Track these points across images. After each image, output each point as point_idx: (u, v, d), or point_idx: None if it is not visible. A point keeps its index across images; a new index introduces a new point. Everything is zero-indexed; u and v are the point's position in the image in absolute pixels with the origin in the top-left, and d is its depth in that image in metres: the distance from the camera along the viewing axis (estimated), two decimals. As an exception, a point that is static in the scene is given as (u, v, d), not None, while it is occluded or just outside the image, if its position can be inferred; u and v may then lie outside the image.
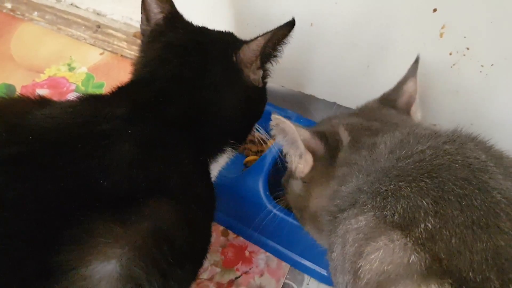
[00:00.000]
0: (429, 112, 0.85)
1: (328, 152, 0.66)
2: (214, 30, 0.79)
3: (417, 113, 0.76)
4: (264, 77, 0.77)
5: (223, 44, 0.74)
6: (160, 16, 0.78)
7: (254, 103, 0.77)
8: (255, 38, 0.70)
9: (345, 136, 0.66)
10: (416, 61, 0.77)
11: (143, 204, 0.53)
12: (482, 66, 0.78)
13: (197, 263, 0.63)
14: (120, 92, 0.69)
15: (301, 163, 0.68)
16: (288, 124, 0.64)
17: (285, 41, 0.72)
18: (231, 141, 0.75)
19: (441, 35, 0.78)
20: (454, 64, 0.81)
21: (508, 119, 0.82)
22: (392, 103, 0.76)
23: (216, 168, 0.75)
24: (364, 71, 0.91)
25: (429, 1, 0.76)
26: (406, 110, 0.75)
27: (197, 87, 0.69)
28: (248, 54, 0.71)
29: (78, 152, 0.55)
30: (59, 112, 0.60)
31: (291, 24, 0.71)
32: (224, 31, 0.80)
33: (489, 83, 0.80)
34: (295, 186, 0.73)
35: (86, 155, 0.55)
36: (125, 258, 0.48)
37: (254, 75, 0.74)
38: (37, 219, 0.48)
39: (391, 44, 0.84)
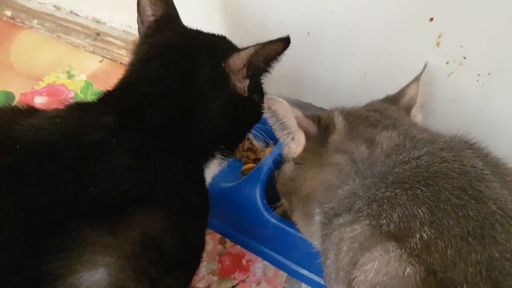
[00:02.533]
0: (427, 120, 0.85)
1: (320, 132, 0.66)
2: (208, 33, 0.79)
3: (417, 116, 0.76)
4: (253, 90, 0.76)
5: (214, 48, 0.74)
6: (152, 19, 0.78)
7: (240, 112, 0.76)
8: (247, 47, 0.70)
9: (339, 121, 0.66)
10: (424, 67, 0.78)
11: (132, 212, 0.53)
12: (478, 75, 0.78)
13: (189, 272, 0.63)
14: (107, 98, 0.69)
15: (293, 144, 0.68)
16: (281, 102, 0.64)
17: (277, 57, 0.71)
18: (221, 147, 0.74)
19: (437, 44, 0.78)
20: (451, 73, 0.81)
21: (505, 127, 0.83)
22: (394, 103, 0.76)
23: (209, 174, 0.75)
24: (361, 79, 0.91)
25: (426, 10, 0.76)
26: (406, 111, 0.75)
27: (182, 88, 0.69)
28: (236, 61, 0.71)
29: (67, 162, 0.55)
30: (47, 122, 0.60)
31: (285, 41, 0.70)
32: (217, 34, 0.80)
33: (486, 92, 0.80)
34: (287, 169, 0.73)
35: (75, 165, 0.55)
36: (114, 266, 0.48)
37: (240, 84, 0.73)
38: (26, 228, 0.48)
39: (387, 53, 0.84)
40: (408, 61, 0.83)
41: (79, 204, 0.52)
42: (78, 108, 0.66)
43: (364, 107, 0.74)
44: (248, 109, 0.77)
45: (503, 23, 0.71)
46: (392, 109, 0.72)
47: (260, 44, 0.69)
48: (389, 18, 0.80)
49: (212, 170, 0.76)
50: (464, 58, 0.78)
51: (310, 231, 0.67)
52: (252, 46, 0.69)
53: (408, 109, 0.75)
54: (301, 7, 0.87)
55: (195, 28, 0.80)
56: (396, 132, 0.61)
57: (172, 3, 0.81)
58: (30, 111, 0.64)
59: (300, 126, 0.67)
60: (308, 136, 0.67)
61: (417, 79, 0.77)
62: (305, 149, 0.68)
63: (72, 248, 0.48)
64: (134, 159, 0.59)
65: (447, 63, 0.80)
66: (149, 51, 0.73)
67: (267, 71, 0.74)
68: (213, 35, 0.79)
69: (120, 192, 0.55)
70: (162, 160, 0.63)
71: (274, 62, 0.72)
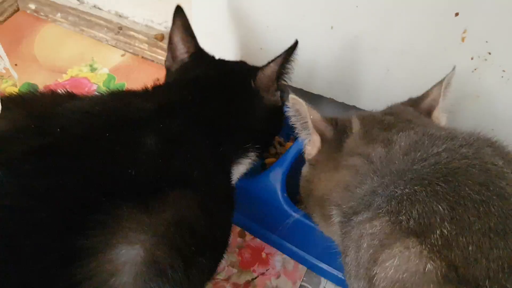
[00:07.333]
0: (450, 116, 0.84)
1: (336, 136, 0.67)
2: (230, 61, 0.88)
3: (440, 119, 0.74)
4: (281, 94, 0.83)
5: (242, 74, 0.82)
6: (185, 55, 0.86)
7: (275, 118, 0.84)
8: (268, 64, 0.78)
9: (356, 124, 0.66)
10: (452, 70, 0.73)
11: (167, 194, 0.55)
12: (503, 71, 0.77)
13: (218, 255, 0.65)
14: (151, 90, 0.73)
15: (309, 145, 0.69)
16: (301, 103, 0.65)
17: (292, 59, 0.79)
18: (257, 146, 0.79)
19: (462, 39, 0.77)
20: (475, 69, 0.80)
21: (529, 125, 0.82)
22: (414, 105, 0.75)
23: (238, 172, 0.79)
24: (384, 75, 0.91)
25: (451, 5, 0.75)
26: (427, 113, 0.74)
27: (223, 113, 0.75)
28: (264, 80, 0.79)
29: (106, 142, 0.57)
30: (87, 104, 0.63)
31: (295, 45, 0.78)
32: (237, 61, 0.91)
33: (511, 89, 0.79)
34: (304, 170, 0.74)
35: (114, 145, 0.57)
36: (149, 243, 0.50)
37: (274, 97, 0.81)
38: (65, 205, 0.50)
39: (411, 48, 0.84)
40: (432, 57, 0.82)
41: (117, 183, 0.54)
42: (121, 93, 0.70)
43: (381, 111, 0.73)
44: (281, 113, 0.84)
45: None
46: (408, 111, 0.72)
47: (278, 57, 0.77)
48: (414, 12, 0.79)
49: (242, 169, 0.80)
50: (489, 53, 0.77)
51: (331, 231, 0.67)
52: (272, 63, 0.78)
53: (429, 111, 0.74)
54: (325, 1, 0.86)
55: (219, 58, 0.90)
56: (413, 131, 0.61)
57: (196, 41, 0.88)
58: (71, 95, 0.67)
59: (317, 128, 0.67)
60: (324, 139, 0.68)
61: (440, 82, 0.74)
62: (320, 152, 0.69)
63: (109, 225, 0.50)
64: (173, 144, 0.61)
65: (472, 58, 0.79)
66: (191, 85, 0.78)
67: (287, 73, 0.82)
68: (236, 62, 0.89)
69: (157, 173, 0.57)
70: (198, 149, 0.65)
71: (290, 64, 0.81)
